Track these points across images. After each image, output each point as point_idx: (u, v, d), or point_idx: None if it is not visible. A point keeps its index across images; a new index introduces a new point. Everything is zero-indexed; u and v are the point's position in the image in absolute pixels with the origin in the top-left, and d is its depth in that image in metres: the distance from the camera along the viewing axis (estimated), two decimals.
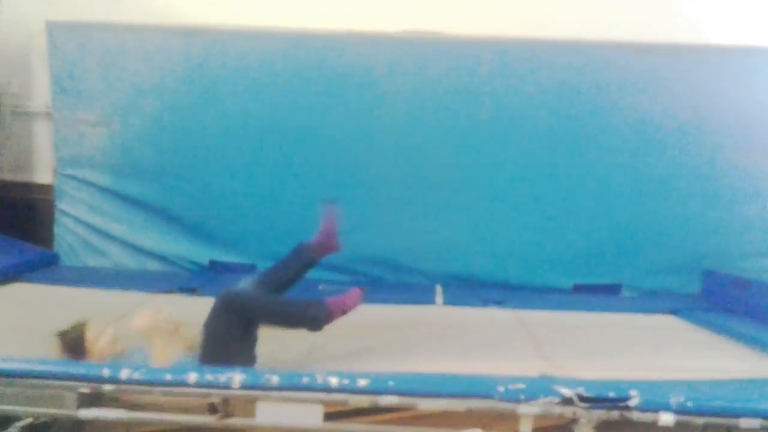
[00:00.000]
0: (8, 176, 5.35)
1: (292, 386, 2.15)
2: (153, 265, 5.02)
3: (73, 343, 2.75)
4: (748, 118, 4.89)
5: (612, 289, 4.93)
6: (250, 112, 4.91)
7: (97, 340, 2.76)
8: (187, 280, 4.65)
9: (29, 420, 3.03)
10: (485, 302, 4.44)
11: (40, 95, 5.28)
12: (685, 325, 4.04)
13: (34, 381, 2.21)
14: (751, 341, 3.51)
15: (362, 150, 4.94)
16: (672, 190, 4.95)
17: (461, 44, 4.91)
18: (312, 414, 2.18)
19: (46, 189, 5.24)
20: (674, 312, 4.32)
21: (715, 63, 4.91)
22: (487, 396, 2.08)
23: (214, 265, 4.99)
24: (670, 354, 3.31)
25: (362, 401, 2.15)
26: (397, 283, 4.96)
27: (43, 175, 5.35)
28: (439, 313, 4.23)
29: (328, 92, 4.91)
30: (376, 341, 3.30)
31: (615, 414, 2.04)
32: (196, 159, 4.98)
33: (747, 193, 4.93)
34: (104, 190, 5.05)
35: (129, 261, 5.05)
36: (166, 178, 4.98)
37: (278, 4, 5.11)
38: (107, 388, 2.20)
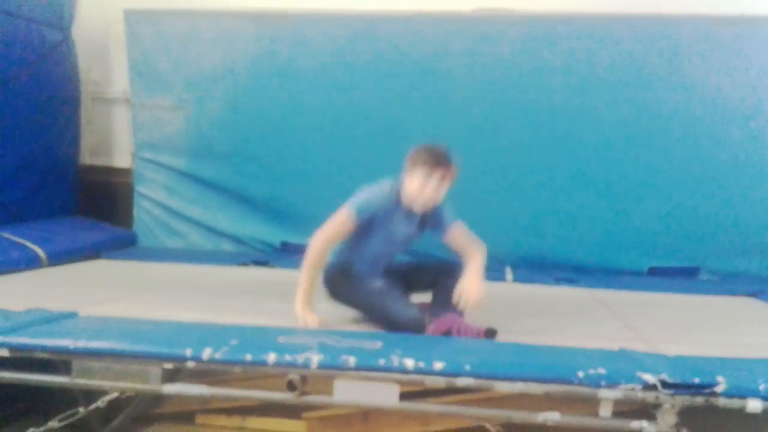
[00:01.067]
0: (89, 160, 5.58)
1: (369, 367, 2.18)
2: (227, 246, 5.17)
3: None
4: None
5: (689, 272, 4.78)
6: (322, 95, 4.97)
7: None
8: (259, 256, 4.89)
9: (116, 394, 3.18)
10: (557, 281, 4.39)
11: (119, 82, 5.46)
12: (766, 307, 3.90)
13: (122, 358, 2.29)
14: None
15: (435, 130, 4.90)
16: (751, 169, 4.75)
17: (533, 21, 4.83)
18: (388, 393, 2.20)
19: (125, 172, 5.45)
20: (754, 294, 4.16)
21: None
22: (567, 380, 2.06)
23: (285, 246, 5.08)
24: (753, 333, 3.21)
25: (439, 382, 2.16)
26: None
27: (122, 159, 5.56)
28: (510, 289, 4.21)
29: (400, 73, 4.91)
30: None
31: (700, 400, 1.99)
32: (270, 142, 5.07)
33: None
34: (181, 173, 5.21)
35: (204, 241, 5.21)
36: (240, 160, 5.11)
37: None
38: (190, 365, 2.27)
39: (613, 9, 4.84)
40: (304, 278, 2.79)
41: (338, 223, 2.81)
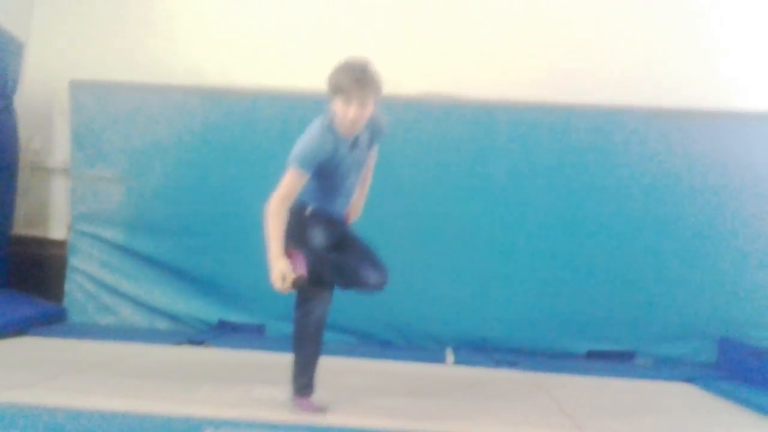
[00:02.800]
0: (23, 231, 5.41)
1: None
2: (162, 324, 5.01)
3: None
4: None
5: (626, 356, 4.84)
6: (265, 171, 4.93)
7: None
8: (196, 334, 4.75)
9: None
10: (497, 363, 4.38)
11: (60, 152, 5.40)
12: (702, 394, 3.95)
13: None
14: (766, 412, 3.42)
15: (376, 211, 4.92)
16: (686, 256, 4.91)
17: (478, 107, 4.99)
18: None
19: (60, 245, 5.29)
20: (690, 380, 4.22)
21: (735, 128, 4.96)
22: None
23: (223, 324, 4.96)
24: (687, 423, 3.23)
25: None
26: (406, 344, 4.91)
27: (57, 230, 5.41)
28: (450, 371, 4.19)
29: None
30: (388, 399, 3.24)
31: None
32: (211, 217, 5.02)
33: (762, 260, 4.88)
34: (117, 246, 5.09)
35: (137, 318, 5.04)
36: (180, 235, 5.03)
37: (296, 65, 5.24)
38: None
39: (555, 98, 5.04)
40: (271, 236, 2.81)
41: (290, 184, 2.79)
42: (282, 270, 2.75)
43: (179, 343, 4.45)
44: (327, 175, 2.85)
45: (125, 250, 5.07)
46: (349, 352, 4.49)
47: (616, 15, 5.27)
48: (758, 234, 4.89)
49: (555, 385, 3.83)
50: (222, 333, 4.81)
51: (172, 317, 5.00)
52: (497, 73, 5.17)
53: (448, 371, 4.20)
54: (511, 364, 4.37)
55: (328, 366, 3.77)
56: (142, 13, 5.42)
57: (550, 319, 4.90)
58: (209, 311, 4.99)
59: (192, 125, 5.07)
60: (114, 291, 5.07)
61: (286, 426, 2.37)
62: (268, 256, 2.81)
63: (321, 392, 3.17)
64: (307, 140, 2.80)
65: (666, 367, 4.60)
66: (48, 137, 5.50)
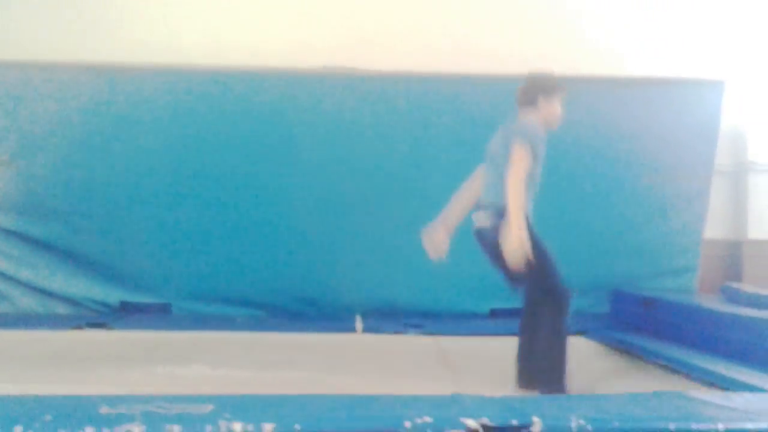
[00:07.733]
0: None
1: None
2: (60, 309, 4.87)
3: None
4: (653, 144, 5.13)
5: None
6: (161, 149, 4.87)
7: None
8: (96, 317, 4.63)
9: None
10: (405, 327, 4.49)
11: None
12: (594, 345, 4.17)
13: None
14: (658, 359, 3.64)
15: (279, 185, 4.94)
16: (579, 212, 5.12)
17: (378, 79, 5.00)
18: None
19: None
20: (584, 332, 4.44)
21: (624, 93, 5.16)
22: (395, 431, 2.10)
23: (125, 305, 4.86)
24: (578, 373, 3.41)
25: None
26: (316, 315, 4.96)
27: None
28: (357, 340, 4.29)
29: (243, 128, 4.91)
30: (294, 371, 3.29)
31: None
32: (106, 197, 4.88)
33: (652, 214, 5.16)
34: (8, 232, 4.88)
35: (34, 305, 4.88)
36: (74, 217, 4.87)
37: (190, 40, 5.11)
38: None
39: (454, 69, 5.09)
40: (517, 208, 3.06)
41: (525, 161, 3.08)
42: (523, 239, 2.96)
43: (78, 326, 4.33)
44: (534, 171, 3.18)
45: (17, 234, 4.87)
46: (258, 326, 4.51)
47: None
48: (643, 191, 5.14)
49: (458, 346, 3.98)
50: (124, 314, 4.73)
51: (71, 301, 4.86)
52: (395, 45, 5.18)
53: (355, 339, 4.28)
54: (418, 327, 4.49)
55: (236, 341, 3.80)
56: None
57: (454, 281, 5.03)
58: (110, 293, 4.88)
59: (81, 103, 4.86)
60: (7, 277, 4.88)
61: (184, 397, 2.37)
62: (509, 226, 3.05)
63: (228, 367, 3.18)
64: (530, 126, 3.21)
65: None
66: None
